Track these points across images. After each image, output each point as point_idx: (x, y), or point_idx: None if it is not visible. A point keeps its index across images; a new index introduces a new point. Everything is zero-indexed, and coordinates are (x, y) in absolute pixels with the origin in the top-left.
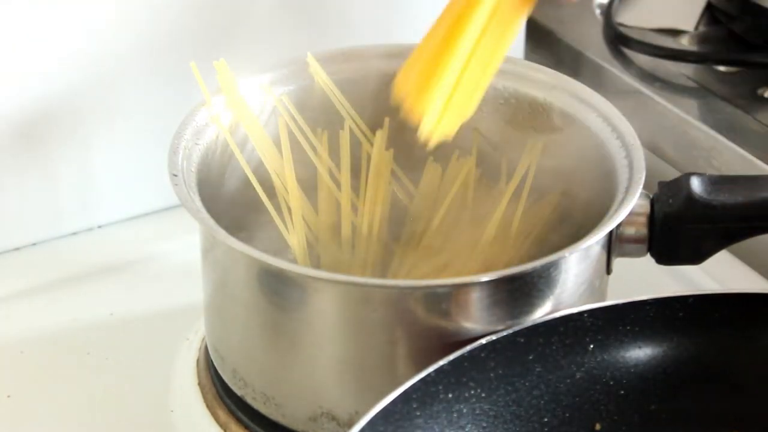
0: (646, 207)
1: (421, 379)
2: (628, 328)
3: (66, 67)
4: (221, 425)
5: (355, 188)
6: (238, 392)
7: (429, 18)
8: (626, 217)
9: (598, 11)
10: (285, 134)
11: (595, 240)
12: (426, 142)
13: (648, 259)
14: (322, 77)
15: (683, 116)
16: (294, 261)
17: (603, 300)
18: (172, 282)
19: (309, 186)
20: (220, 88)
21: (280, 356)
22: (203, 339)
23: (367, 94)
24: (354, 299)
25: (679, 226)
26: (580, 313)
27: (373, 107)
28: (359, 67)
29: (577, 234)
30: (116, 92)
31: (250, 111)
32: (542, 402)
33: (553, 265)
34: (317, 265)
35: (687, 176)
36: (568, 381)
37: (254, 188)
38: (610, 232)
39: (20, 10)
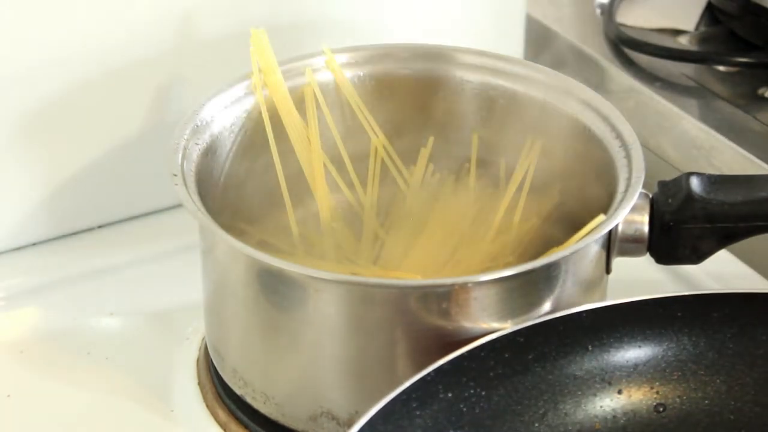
0: (645, 206)
1: (421, 379)
2: (628, 328)
3: (66, 67)
4: (221, 425)
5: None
6: (238, 392)
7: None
8: (626, 216)
9: (598, 11)
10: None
11: (595, 239)
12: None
13: (648, 259)
14: (338, 73)
15: (683, 116)
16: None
17: (603, 300)
18: (172, 282)
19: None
20: (256, 56)
21: (280, 356)
22: (203, 339)
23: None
24: (354, 299)
25: (679, 226)
26: (580, 313)
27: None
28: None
29: (576, 233)
30: (116, 92)
31: (283, 86)
32: (542, 402)
33: (553, 265)
34: (321, 256)
35: (687, 176)
36: (568, 381)
37: (253, 188)
38: (610, 232)
39: (20, 10)
